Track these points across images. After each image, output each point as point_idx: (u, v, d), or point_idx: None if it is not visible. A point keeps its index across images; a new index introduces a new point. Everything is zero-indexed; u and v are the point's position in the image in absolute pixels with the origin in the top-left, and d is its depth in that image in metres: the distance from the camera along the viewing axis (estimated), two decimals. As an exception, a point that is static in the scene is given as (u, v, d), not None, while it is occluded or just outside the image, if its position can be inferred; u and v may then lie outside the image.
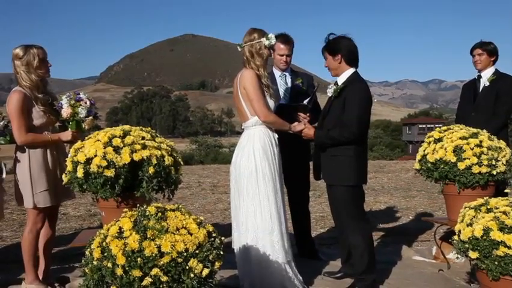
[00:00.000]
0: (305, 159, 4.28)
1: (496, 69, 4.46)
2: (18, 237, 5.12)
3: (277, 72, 4.22)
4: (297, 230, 4.36)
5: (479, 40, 4.54)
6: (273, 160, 3.33)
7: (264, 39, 3.33)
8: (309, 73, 4.98)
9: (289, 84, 4.21)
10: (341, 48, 3.42)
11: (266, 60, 3.41)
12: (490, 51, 4.42)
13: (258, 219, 3.25)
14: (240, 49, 3.41)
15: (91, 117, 3.39)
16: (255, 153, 3.30)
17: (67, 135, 3.37)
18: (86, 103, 3.35)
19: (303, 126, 3.51)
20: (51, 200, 3.39)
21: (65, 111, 3.31)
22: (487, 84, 4.41)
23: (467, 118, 4.31)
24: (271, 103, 3.42)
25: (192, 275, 2.07)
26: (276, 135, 3.44)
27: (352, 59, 3.46)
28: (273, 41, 3.36)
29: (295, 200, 4.34)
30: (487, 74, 4.44)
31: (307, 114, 3.79)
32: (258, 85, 3.31)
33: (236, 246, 3.37)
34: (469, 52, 4.55)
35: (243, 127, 3.47)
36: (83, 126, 3.37)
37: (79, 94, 3.41)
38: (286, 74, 4.23)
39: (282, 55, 4.10)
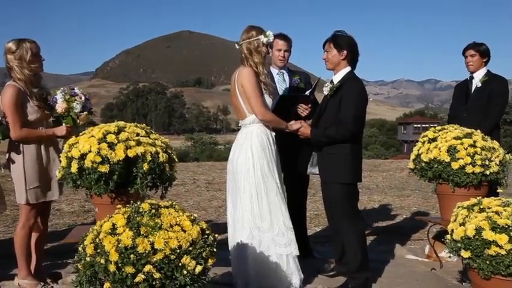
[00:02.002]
0: (304, 155, 4.27)
1: (488, 70, 4.48)
2: (11, 233, 5.09)
3: (274, 71, 4.21)
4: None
5: (475, 40, 4.57)
6: (271, 157, 3.33)
7: (262, 36, 3.32)
8: (306, 71, 4.97)
9: (287, 82, 4.21)
10: (348, 45, 3.46)
11: (265, 58, 3.39)
12: (483, 52, 4.44)
13: (255, 216, 3.24)
14: (237, 47, 3.39)
15: (85, 113, 3.38)
16: (252, 150, 3.29)
17: (61, 130, 3.35)
18: (81, 98, 3.34)
19: (300, 125, 3.52)
20: (44, 196, 3.38)
21: (60, 106, 3.29)
22: (479, 85, 4.43)
23: (460, 119, 4.32)
24: (269, 101, 3.41)
25: (185, 272, 2.07)
26: (274, 133, 3.44)
27: (354, 59, 3.53)
28: (271, 38, 3.35)
29: (292, 197, 4.34)
30: (479, 75, 4.46)
31: (309, 105, 3.79)
32: (256, 83, 3.30)
33: (231, 243, 3.36)
34: (461, 53, 4.57)
35: (240, 124, 3.46)
36: (78, 121, 3.36)
37: (73, 89, 3.39)
38: (284, 71, 4.23)
39: (280, 50, 4.09)
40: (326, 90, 3.52)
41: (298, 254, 3.34)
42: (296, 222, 4.33)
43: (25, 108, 3.28)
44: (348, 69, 3.50)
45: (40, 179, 3.33)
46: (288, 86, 4.19)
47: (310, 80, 4.41)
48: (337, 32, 3.53)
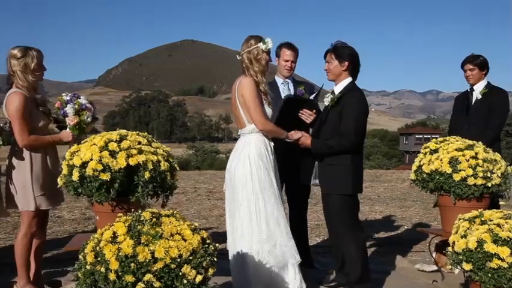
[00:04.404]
0: (307, 165, 4.27)
1: (488, 82, 4.49)
2: (11, 240, 5.09)
3: (279, 80, 4.23)
4: (294, 238, 4.30)
5: (478, 52, 4.58)
6: (269, 167, 3.32)
7: (261, 43, 3.33)
8: (310, 82, 4.99)
9: (291, 91, 4.23)
10: (349, 56, 3.47)
11: (266, 66, 3.40)
12: (481, 64, 4.45)
13: (254, 227, 3.23)
14: (239, 58, 3.41)
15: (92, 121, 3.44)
16: (250, 160, 3.29)
17: (67, 135, 3.37)
18: (90, 110, 3.38)
19: (300, 135, 3.52)
20: (51, 202, 3.38)
21: (72, 120, 3.31)
22: (480, 97, 4.43)
23: (460, 130, 4.32)
24: (269, 111, 3.42)
25: (185, 282, 2.06)
26: (272, 143, 3.44)
27: (355, 71, 3.54)
28: (270, 44, 3.36)
29: (294, 207, 4.33)
30: (479, 87, 4.47)
31: (314, 111, 3.78)
32: (256, 93, 3.31)
33: (231, 252, 3.35)
34: (460, 67, 4.58)
35: (239, 133, 3.47)
36: (86, 129, 3.41)
37: (79, 97, 3.41)
38: (289, 81, 4.25)
39: (287, 61, 4.13)
40: (326, 101, 3.53)
41: (300, 260, 3.32)
42: (297, 233, 4.33)
43: (33, 115, 3.29)
44: (349, 80, 3.52)
45: (47, 185, 3.32)
46: (292, 94, 4.20)
47: (314, 91, 4.43)
48: (338, 42, 3.55)
